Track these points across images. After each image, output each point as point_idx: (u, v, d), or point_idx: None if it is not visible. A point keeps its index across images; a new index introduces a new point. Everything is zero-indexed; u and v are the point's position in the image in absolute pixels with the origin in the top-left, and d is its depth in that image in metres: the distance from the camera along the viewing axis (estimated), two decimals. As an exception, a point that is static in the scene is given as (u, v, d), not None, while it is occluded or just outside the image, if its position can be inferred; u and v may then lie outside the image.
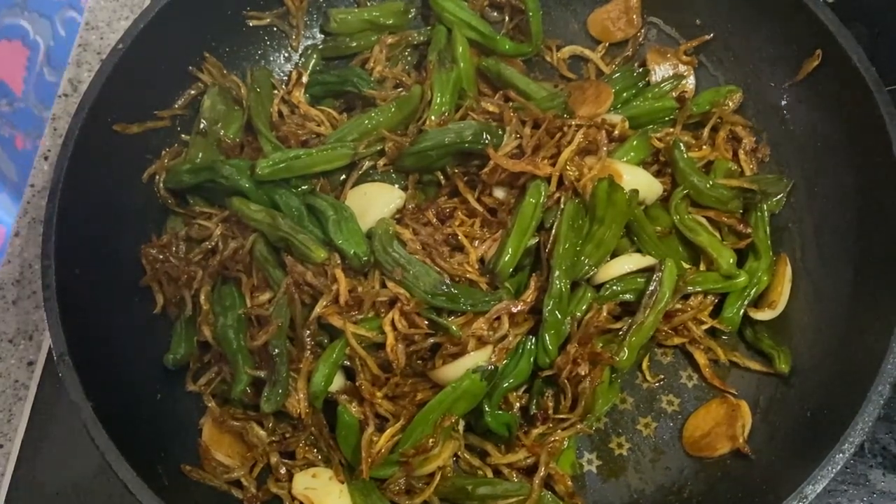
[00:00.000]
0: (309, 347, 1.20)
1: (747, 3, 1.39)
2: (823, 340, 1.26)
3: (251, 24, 1.49)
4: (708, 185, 1.33)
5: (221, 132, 1.40)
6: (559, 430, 1.23)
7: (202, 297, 1.27)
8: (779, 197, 1.36)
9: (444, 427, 1.17)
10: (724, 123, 1.42)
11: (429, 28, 1.51)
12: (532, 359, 1.22)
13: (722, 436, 1.25)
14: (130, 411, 1.20)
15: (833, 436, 1.09)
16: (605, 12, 1.52)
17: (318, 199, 1.28)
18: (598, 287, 1.28)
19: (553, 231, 1.23)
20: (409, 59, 1.52)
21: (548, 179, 1.26)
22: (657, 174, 1.37)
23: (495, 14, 1.54)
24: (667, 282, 1.23)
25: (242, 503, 1.21)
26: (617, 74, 1.47)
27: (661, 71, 1.47)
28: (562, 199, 1.25)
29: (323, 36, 1.55)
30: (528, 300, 1.21)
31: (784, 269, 1.32)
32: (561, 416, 1.23)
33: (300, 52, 1.53)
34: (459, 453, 1.24)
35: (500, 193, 1.31)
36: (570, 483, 1.21)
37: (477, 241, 1.28)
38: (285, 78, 1.51)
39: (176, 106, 1.42)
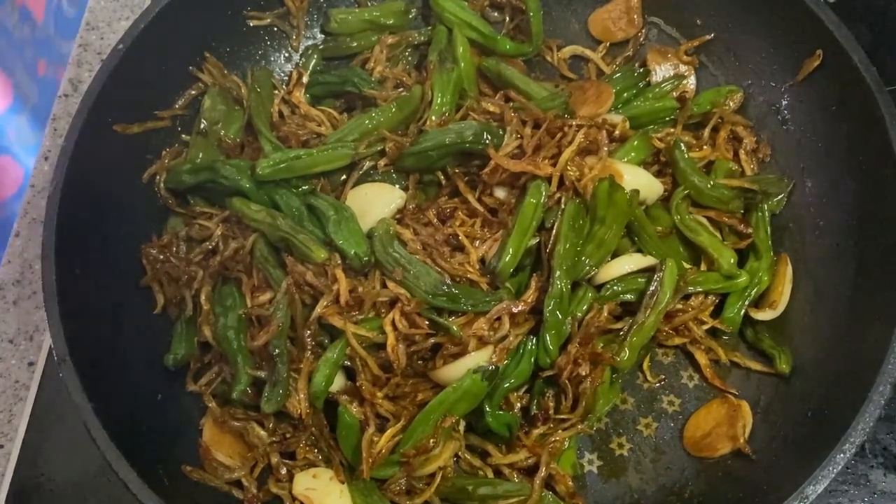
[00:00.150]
0: (309, 348, 1.20)
1: (748, 3, 1.39)
2: (824, 340, 1.26)
3: (251, 25, 1.48)
4: (709, 185, 1.33)
5: (222, 132, 1.40)
6: (560, 431, 1.23)
7: (202, 298, 1.27)
8: (779, 197, 1.36)
9: (444, 427, 1.17)
10: (724, 123, 1.42)
11: (429, 28, 1.51)
12: (533, 359, 1.22)
13: (723, 436, 1.25)
14: (131, 412, 1.20)
15: (834, 436, 1.09)
16: (606, 12, 1.52)
17: (318, 199, 1.28)
18: (599, 287, 1.28)
19: (554, 231, 1.23)
20: (409, 59, 1.52)
21: (548, 179, 1.26)
22: (658, 174, 1.36)
23: (496, 14, 1.54)
24: (667, 282, 1.23)
25: (243, 503, 1.21)
26: (618, 74, 1.47)
27: (661, 71, 1.47)
28: (562, 200, 1.25)
29: (323, 36, 1.55)
30: (529, 300, 1.21)
31: (785, 270, 1.32)
32: (562, 417, 1.23)
33: (301, 52, 1.53)
34: (460, 453, 1.24)
35: (500, 193, 1.31)
36: (570, 483, 1.21)
37: (477, 242, 1.28)
38: (286, 78, 1.51)
39: (176, 106, 1.42)
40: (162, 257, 1.32)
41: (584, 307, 1.25)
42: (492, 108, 1.34)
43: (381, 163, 1.34)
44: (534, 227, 1.24)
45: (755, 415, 1.26)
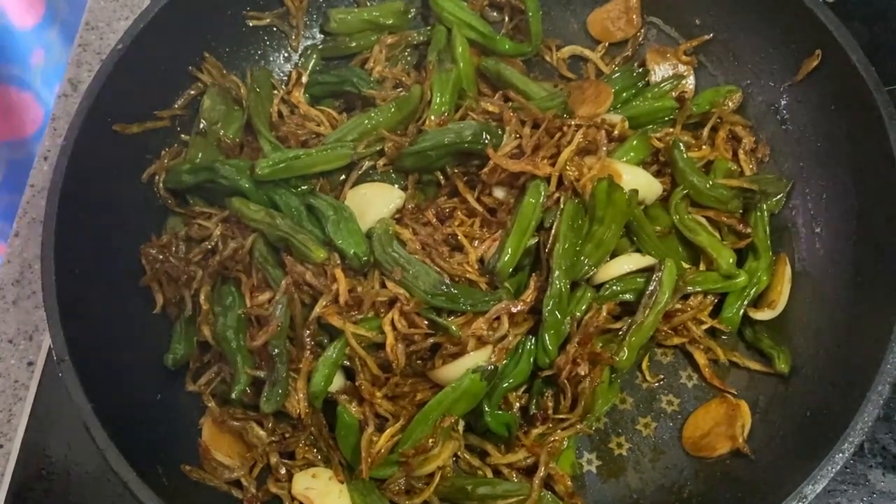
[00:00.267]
0: (309, 347, 1.20)
1: (747, 3, 1.39)
2: (823, 340, 1.26)
3: (251, 25, 1.49)
4: (707, 185, 1.33)
5: (221, 132, 1.40)
6: (559, 430, 1.23)
7: (202, 297, 1.27)
8: (778, 197, 1.36)
9: (443, 427, 1.17)
10: (723, 123, 1.42)
11: (428, 28, 1.51)
12: (532, 359, 1.22)
13: (722, 436, 1.25)
14: (130, 411, 1.20)
15: (833, 436, 1.09)
16: (605, 12, 1.53)
17: (317, 199, 1.28)
18: (598, 287, 1.28)
19: (553, 231, 1.23)
20: (408, 59, 1.52)
21: (547, 179, 1.26)
22: (657, 174, 1.37)
23: (495, 14, 1.54)
24: (666, 282, 1.23)
25: (242, 503, 1.21)
26: (616, 74, 1.47)
27: (660, 71, 1.47)
28: (561, 199, 1.25)
29: (323, 36, 1.55)
30: (528, 300, 1.21)
31: (784, 269, 1.32)
32: (561, 416, 1.23)
33: (300, 52, 1.53)
34: (459, 453, 1.24)
35: (499, 193, 1.31)
36: (569, 483, 1.21)
37: (476, 241, 1.28)
38: (285, 78, 1.51)
39: (176, 106, 1.42)
40: (161, 257, 1.32)
41: (583, 307, 1.25)
42: (491, 108, 1.34)
43: (381, 163, 1.34)
44: (533, 226, 1.24)
45: (754, 414, 1.26)
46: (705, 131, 1.42)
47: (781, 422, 1.24)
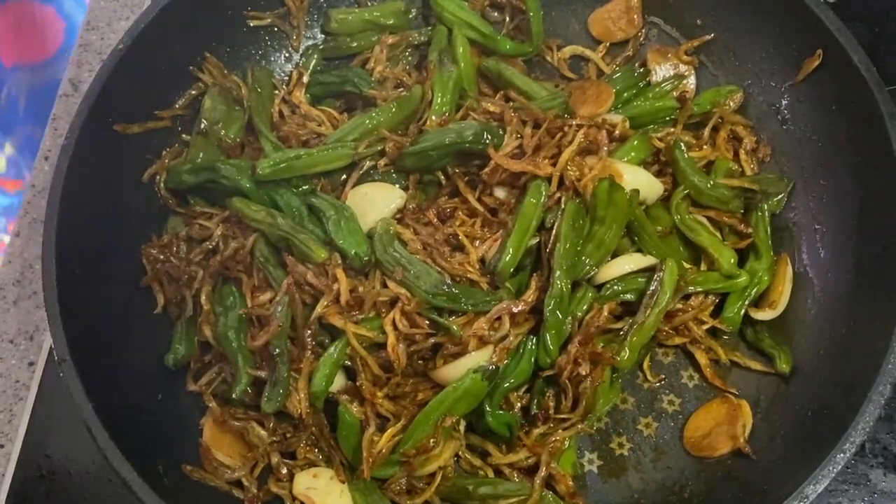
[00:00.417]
0: (310, 347, 1.20)
1: (748, 3, 1.39)
2: (824, 340, 1.26)
3: (252, 24, 1.48)
4: (709, 185, 1.33)
5: (222, 132, 1.40)
6: (560, 430, 1.23)
7: (203, 297, 1.27)
8: (779, 197, 1.36)
9: (445, 427, 1.17)
10: (724, 123, 1.42)
11: (429, 28, 1.51)
12: (533, 359, 1.22)
13: (723, 436, 1.25)
14: (131, 411, 1.20)
15: (834, 436, 1.09)
16: (606, 12, 1.53)
17: (318, 199, 1.28)
18: (599, 287, 1.28)
19: (554, 231, 1.23)
20: (409, 59, 1.52)
21: (548, 179, 1.26)
22: (658, 174, 1.36)
23: (496, 14, 1.54)
24: (668, 282, 1.23)
25: (243, 503, 1.21)
26: (618, 74, 1.47)
27: (661, 71, 1.47)
28: (562, 199, 1.25)
29: (323, 36, 1.54)
30: (529, 300, 1.21)
31: (785, 269, 1.32)
32: (562, 416, 1.23)
33: (301, 52, 1.53)
34: (460, 453, 1.24)
35: (500, 193, 1.31)
36: (571, 483, 1.21)
37: (478, 241, 1.28)
38: (286, 78, 1.51)
39: (176, 106, 1.42)
40: (162, 257, 1.32)
41: (585, 307, 1.25)
42: (492, 108, 1.34)
43: (382, 163, 1.34)
44: (534, 226, 1.24)
45: (755, 414, 1.26)
46: (706, 131, 1.42)
47: (782, 422, 1.24)
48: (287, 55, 1.53)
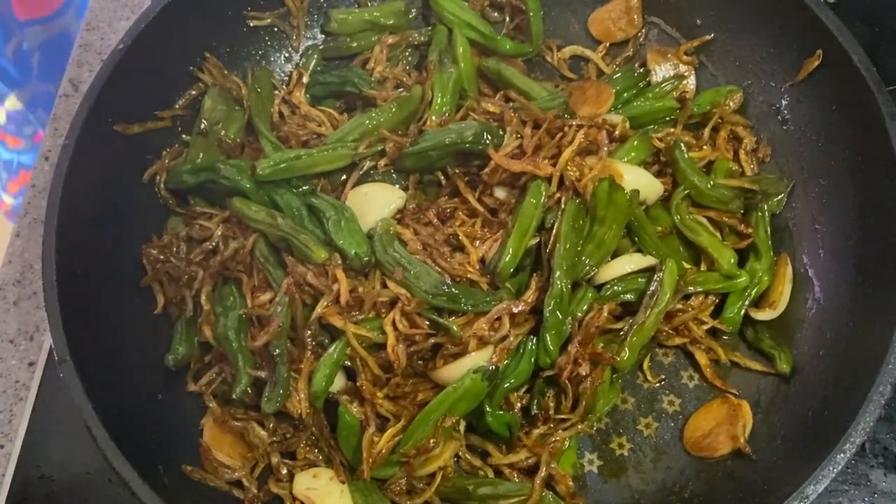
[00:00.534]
0: (310, 348, 1.20)
1: (748, 3, 1.39)
2: (824, 340, 1.26)
3: (252, 25, 1.48)
4: (709, 185, 1.33)
5: (222, 132, 1.40)
6: (560, 431, 1.23)
7: (203, 298, 1.27)
8: (779, 197, 1.36)
9: (445, 427, 1.17)
10: (724, 123, 1.42)
11: (429, 28, 1.51)
12: (533, 359, 1.22)
13: (723, 436, 1.25)
14: (131, 412, 1.20)
15: (834, 436, 1.09)
16: (606, 12, 1.53)
17: (318, 199, 1.28)
18: (599, 287, 1.28)
19: (554, 231, 1.23)
20: (409, 59, 1.52)
21: (548, 179, 1.26)
22: (658, 174, 1.37)
23: (496, 14, 1.54)
24: (668, 282, 1.23)
25: (243, 503, 1.21)
26: (618, 74, 1.47)
27: (661, 71, 1.47)
28: (562, 200, 1.25)
29: (323, 36, 1.55)
30: (529, 300, 1.21)
31: (785, 269, 1.32)
32: (562, 417, 1.23)
33: (301, 52, 1.53)
34: (460, 453, 1.24)
35: (500, 193, 1.31)
36: (571, 483, 1.21)
37: (478, 242, 1.28)
38: (286, 78, 1.51)
39: (177, 106, 1.42)
40: (162, 257, 1.32)
41: (585, 307, 1.25)
42: (492, 109, 1.34)
43: (382, 163, 1.34)
44: (534, 227, 1.24)
45: (755, 415, 1.26)
46: (706, 131, 1.42)
47: (783, 422, 1.24)
48: (287, 55, 1.53)
